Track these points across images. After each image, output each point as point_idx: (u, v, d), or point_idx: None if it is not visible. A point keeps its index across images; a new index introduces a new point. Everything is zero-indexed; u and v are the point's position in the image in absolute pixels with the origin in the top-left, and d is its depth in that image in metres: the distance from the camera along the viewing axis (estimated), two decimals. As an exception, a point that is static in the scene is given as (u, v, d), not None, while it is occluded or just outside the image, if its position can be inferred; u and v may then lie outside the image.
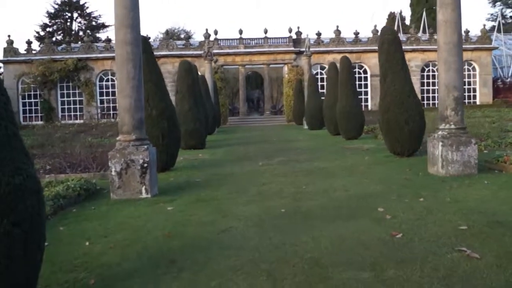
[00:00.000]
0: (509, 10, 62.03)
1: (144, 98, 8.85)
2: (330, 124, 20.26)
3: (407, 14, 62.49)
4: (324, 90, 36.53)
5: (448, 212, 6.02)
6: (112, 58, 37.96)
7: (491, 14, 63.58)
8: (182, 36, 65.71)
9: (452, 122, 8.97)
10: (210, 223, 6.16)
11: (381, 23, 58.82)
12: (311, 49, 31.31)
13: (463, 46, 35.50)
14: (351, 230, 5.42)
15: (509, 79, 40.39)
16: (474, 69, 38.49)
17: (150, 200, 7.81)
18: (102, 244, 5.42)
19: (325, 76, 37.98)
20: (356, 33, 38.64)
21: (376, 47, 37.88)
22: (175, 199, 7.84)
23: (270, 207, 6.91)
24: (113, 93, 38.65)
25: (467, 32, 37.98)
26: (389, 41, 11.65)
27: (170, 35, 55.05)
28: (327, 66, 38.76)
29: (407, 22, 59.70)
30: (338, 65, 21.56)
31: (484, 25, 40.59)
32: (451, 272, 4.02)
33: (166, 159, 11.15)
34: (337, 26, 39.23)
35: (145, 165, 8.18)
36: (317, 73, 36.07)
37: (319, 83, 30.54)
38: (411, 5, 59.82)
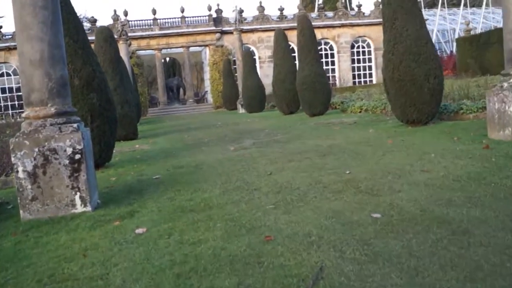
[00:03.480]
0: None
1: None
2: (282, 102, 17.14)
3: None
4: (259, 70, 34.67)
5: None
6: (5, 49, 32.13)
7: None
8: (86, 25, 59.56)
9: (531, 64, 6.23)
10: (252, 259, 2.86)
11: None
12: (232, 29, 28.01)
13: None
14: None
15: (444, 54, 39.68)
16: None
17: (93, 217, 4.32)
18: None
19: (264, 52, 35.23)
20: (281, 9, 35.62)
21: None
22: (138, 212, 4.46)
23: (339, 212, 3.69)
24: (8, 90, 32.74)
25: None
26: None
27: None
28: (252, 47, 36.11)
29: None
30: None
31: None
32: None
33: (100, 150, 7.54)
34: (260, 2, 35.95)
35: (77, 156, 4.63)
36: (242, 54, 32.74)
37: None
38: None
